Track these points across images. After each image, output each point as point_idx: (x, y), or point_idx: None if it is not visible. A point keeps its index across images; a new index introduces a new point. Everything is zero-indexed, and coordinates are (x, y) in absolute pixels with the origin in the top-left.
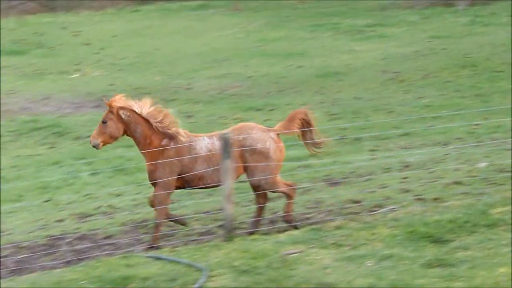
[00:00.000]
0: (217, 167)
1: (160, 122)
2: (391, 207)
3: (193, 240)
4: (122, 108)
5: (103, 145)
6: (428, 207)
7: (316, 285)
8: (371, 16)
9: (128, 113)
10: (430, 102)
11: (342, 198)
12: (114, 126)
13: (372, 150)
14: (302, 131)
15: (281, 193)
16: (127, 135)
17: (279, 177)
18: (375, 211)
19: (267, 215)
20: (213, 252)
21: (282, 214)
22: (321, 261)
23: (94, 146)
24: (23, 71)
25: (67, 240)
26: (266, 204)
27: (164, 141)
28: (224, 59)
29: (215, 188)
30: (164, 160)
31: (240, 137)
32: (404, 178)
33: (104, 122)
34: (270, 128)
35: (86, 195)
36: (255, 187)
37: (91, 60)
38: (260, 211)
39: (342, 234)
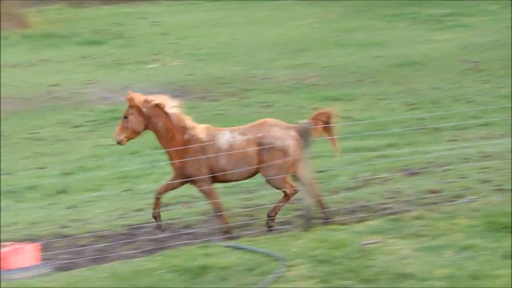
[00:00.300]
0: (238, 161)
1: (177, 118)
2: (470, 198)
3: (272, 230)
4: (144, 101)
5: (126, 140)
6: (508, 198)
7: (395, 275)
8: (450, 6)
9: (149, 106)
10: (510, 92)
11: (421, 188)
12: (135, 121)
13: (451, 140)
14: (323, 131)
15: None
16: (149, 129)
17: (287, 177)
18: (454, 201)
19: (346, 205)
20: (291, 242)
21: (270, 212)
22: (400, 251)
23: (118, 143)
24: (102, 61)
25: (147, 230)
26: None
27: (186, 136)
28: (301, 49)
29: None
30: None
31: (259, 135)
32: (484, 168)
33: (125, 117)
34: (291, 126)
35: None
36: (265, 180)
37: (170, 50)
38: (320, 203)
39: (421, 224)
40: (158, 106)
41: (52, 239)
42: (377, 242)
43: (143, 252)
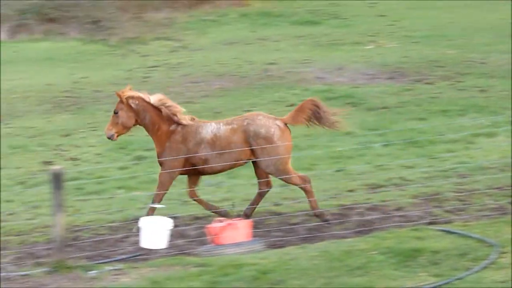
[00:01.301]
0: (220, 152)
1: (168, 108)
2: None
3: (485, 216)
4: (131, 97)
5: (117, 135)
6: None
7: None
8: None
9: (137, 102)
10: None
11: None
12: (125, 116)
13: None
14: (312, 120)
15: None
16: (139, 124)
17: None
18: None
19: None
20: (505, 228)
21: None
22: None
23: (109, 138)
24: (318, 41)
25: (358, 210)
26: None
27: (172, 127)
28: None
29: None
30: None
31: (245, 123)
32: None
33: (115, 112)
34: (277, 117)
35: (378, 166)
36: (266, 172)
37: (386, 31)
38: (259, 198)
39: None
40: (145, 101)
41: (264, 216)
42: None
43: (355, 232)
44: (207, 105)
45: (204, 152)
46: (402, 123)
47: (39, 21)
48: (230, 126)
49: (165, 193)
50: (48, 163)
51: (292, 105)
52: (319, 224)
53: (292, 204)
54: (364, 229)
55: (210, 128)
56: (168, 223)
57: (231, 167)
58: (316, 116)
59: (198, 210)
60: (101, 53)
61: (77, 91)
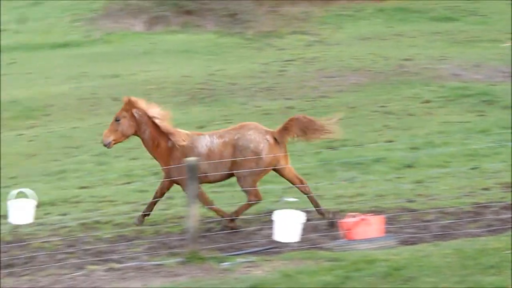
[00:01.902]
0: (216, 163)
1: (163, 125)
2: None
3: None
4: (136, 107)
5: (114, 143)
6: None
7: None
8: None
9: (141, 113)
10: None
11: None
12: (127, 124)
13: None
14: (302, 135)
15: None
16: (136, 135)
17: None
18: None
19: None
20: None
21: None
22: None
23: (105, 145)
24: (455, 38)
25: (493, 209)
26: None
27: (170, 143)
28: None
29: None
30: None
31: (236, 137)
32: None
33: (117, 120)
34: (269, 130)
35: None
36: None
37: None
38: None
39: None
40: (148, 115)
41: (397, 212)
42: None
43: (489, 231)
44: (342, 100)
45: (202, 165)
46: None
47: (176, 13)
48: (222, 140)
49: (212, 201)
50: None
51: (427, 101)
52: (452, 222)
53: (425, 201)
54: (498, 228)
55: (204, 142)
56: (301, 217)
57: (226, 177)
58: (306, 130)
59: (331, 205)
60: (237, 46)
61: (212, 83)
